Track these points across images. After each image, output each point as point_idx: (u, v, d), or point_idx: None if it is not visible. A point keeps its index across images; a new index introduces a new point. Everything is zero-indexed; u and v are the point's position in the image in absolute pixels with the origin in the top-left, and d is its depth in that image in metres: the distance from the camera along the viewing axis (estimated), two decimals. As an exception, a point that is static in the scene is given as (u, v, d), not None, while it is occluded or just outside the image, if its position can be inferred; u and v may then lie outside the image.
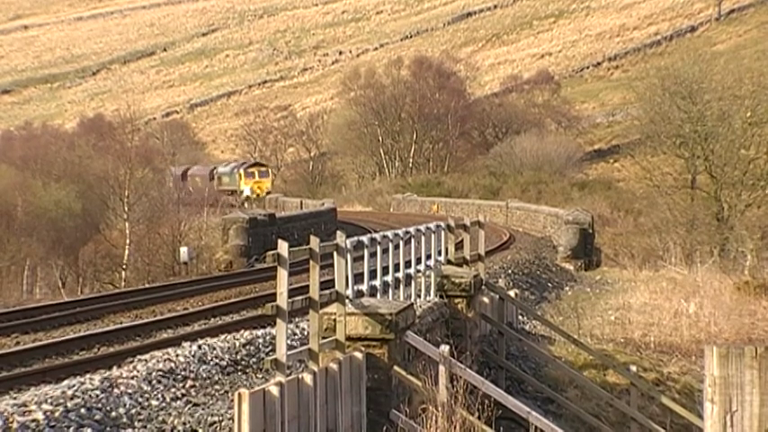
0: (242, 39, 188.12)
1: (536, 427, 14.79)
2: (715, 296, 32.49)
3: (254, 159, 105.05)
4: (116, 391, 13.86)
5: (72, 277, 54.28)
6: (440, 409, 13.77)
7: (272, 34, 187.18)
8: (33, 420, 12.19)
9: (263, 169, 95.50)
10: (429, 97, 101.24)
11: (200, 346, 16.96)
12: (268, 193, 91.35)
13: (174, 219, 51.29)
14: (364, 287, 15.05)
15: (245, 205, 79.61)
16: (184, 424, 12.90)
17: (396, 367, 14.13)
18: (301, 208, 67.28)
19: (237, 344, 17.37)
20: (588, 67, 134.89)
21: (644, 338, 28.29)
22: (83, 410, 12.82)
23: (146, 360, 15.98)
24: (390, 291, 16.34)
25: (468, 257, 20.61)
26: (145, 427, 12.81)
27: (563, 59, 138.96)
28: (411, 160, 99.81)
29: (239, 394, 10.89)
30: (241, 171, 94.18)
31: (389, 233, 16.58)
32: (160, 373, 15.04)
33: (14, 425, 11.96)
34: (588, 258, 45.68)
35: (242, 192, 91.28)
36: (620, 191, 76.27)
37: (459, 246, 21.24)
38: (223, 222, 43.39)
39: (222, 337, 18.20)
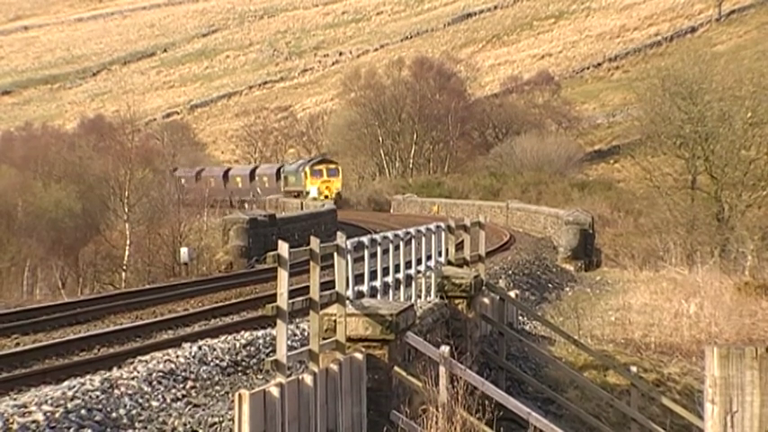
0: (242, 39, 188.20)
1: (536, 428, 14.79)
2: (715, 297, 32.50)
3: (321, 156, 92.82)
4: (116, 391, 13.86)
5: (72, 278, 54.28)
6: (440, 409, 13.77)
7: (272, 35, 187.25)
8: (34, 421, 12.19)
9: (332, 167, 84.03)
10: (429, 98, 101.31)
11: (200, 347, 16.96)
12: (338, 195, 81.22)
13: (175, 219, 51.29)
14: (365, 288, 15.05)
15: (246, 206, 78.23)
16: (185, 425, 12.90)
17: (396, 368, 14.13)
18: (302, 209, 66.89)
19: (238, 345, 17.37)
20: (588, 68, 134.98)
21: (644, 339, 28.30)
22: (83, 411, 12.82)
23: (146, 361, 15.98)
24: (391, 291, 16.34)
25: (468, 258, 20.61)
26: (145, 427, 12.81)
27: (563, 60, 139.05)
28: (411, 161, 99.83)
29: (240, 395, 10.88)
30: (306, 169, 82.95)
31: (390, 234, 16.58)
32: (160, 373, 15.03)
33: (15, 426, 11.96)
34: (588, 259, 45.68)
35: (307, 193, 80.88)
36: (620, 191, 76.30)
37: (459, 246, 21.24)
38: (223, 223, 43.41)
39: (222, 337, 18.20)
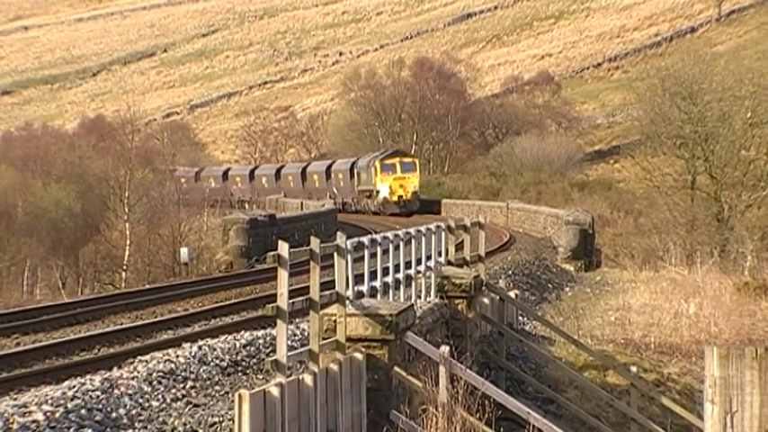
0: (242, 40, 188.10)
1: (536, 428, 14.79)
2: (715, 297, 32.50)
3: (394, 147, 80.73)
4: (116, 391, 13.87)
5: (72, 278, 54.27)
6: (440, 409, 13.78)
7: (272, 35, 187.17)
8: (34, 421, 12.20)
9: (407, 160, 71.83)
10: (429, 98, 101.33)
11: (200, 347, 16.97)
12: (415, 195, 69.87)
13: (175, 219, 51.31)
14: (364, 288, 15.06)
15: (246, 206, 76.80)
16: (185, 425, 12.90)
17: (396, 368, 14.14)
18: (302, 209, 66.24)
19: (238, 345, 17.38)
20: (588, 68, 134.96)
21: (644, 339, 28.30)
22: (83, 411, 12.83)
23: (146, 361, 15.99)
24: (391, 292, 16.35)
25: (468, 258, 20.62)
26: (145, 427, 12.82)
27: (563, 60, 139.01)
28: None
29: (240, 395, 10.89)
30: (376, 164, 70.67)
31: (390, 234, 16.59)
32: (160, 373, 15.05)
33: (15, 426, 11.97)
34: (588, 259, 45.67)
35: (377, 192, 70.03)
36: (620, 191, 76.32)
37: (459, 246, 21.25)
38: (223, 223, 43.49)
39: (222, 337, 18.21)
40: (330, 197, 76.79)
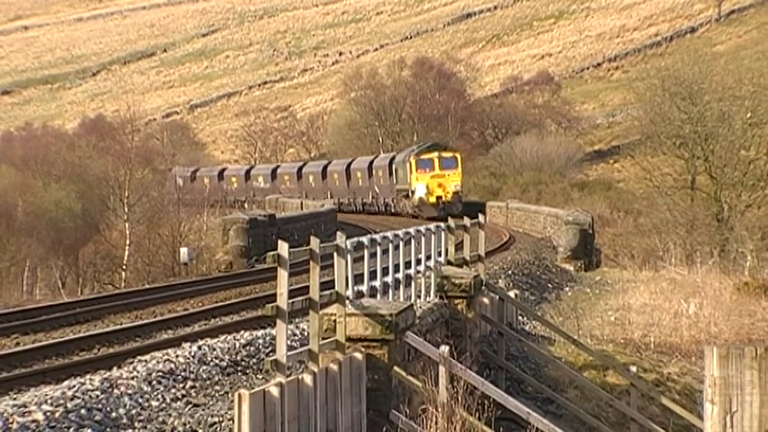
0: (242, 39, 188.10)
1: (536, 428, 14.80)
2: (715, 297, 32.51)
3: (433, 141, 71.21)
4: (116, 391, 13.86)
5: (72, 278, 54.31)
6: (440, 409, 13.78)
7: (272, 35, 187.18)
8: (33, 421, 12.19)
9: (446, 155, 62.59)
10: (429, 98, 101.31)
11: (200, 347, 16.96)
12: (457, 196, 61.06)
13: (174, 219, 51.30)
14: (364, 288, 15.06)
15: (246, 206, 76.09)
16: (184, 425, 12.90)
17: (396, 368, 14.14)
18: (301, 209, 65.71)
19: (237, 344, 17.37)
20: (588, 68, 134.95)
21: (644, 339, 28.32)
22: (83, 411, 12.83)
23: (146, 361, 15.98)
24: (390, 291, 16.34)
25: (468, 258, 20.64)
26: (145, 427, 12.81)
27: (563, 60, 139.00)
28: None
29: (239, 395, 10.89)
30: (411, 159, 62.18)
31: (389, 234, 16.60)
32: (160, 373, 15.04)
33: (14, 425, 11.96)
34: (588, 259, 45.66)
35: (413, 192, 61.73)
36: (620, 191, 76.35)
37: (459, 246, 21.26)
38: (223, 223, 43.43)
39: (222, 337, 18.20)
40: (372, 197, 71.07)
